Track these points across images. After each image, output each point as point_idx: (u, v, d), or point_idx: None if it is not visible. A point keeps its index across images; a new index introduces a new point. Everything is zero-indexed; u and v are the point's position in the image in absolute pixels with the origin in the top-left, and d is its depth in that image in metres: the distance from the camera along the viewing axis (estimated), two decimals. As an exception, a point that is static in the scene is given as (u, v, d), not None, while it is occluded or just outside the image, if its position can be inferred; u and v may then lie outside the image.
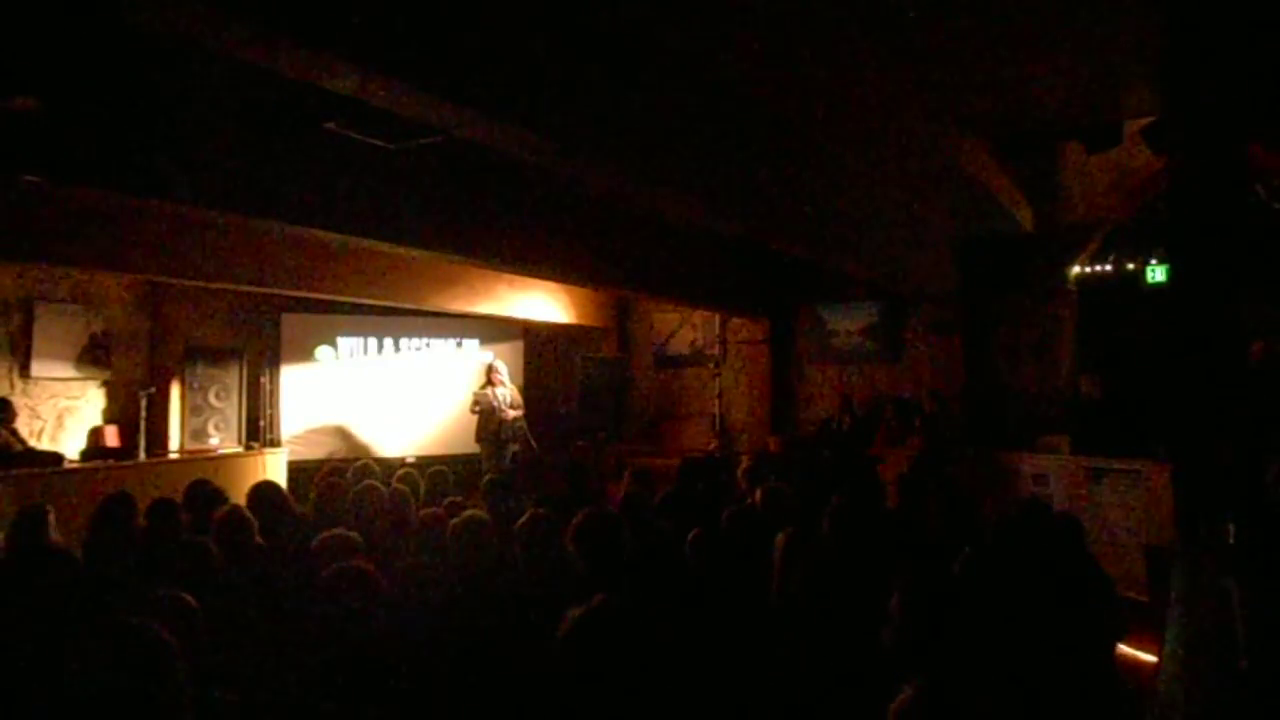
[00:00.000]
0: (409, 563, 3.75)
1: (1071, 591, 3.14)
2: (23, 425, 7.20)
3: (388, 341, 10.39)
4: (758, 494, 4.40)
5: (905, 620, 2.35)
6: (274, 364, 9.46)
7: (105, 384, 8.14)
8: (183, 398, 8.58)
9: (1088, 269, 7.98)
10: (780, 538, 3.18)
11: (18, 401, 7.21)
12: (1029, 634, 2.75)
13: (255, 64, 2.84)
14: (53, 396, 7.72)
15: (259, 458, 8.35)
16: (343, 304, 8.76)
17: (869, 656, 2.43)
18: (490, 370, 9.25)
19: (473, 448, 9.21)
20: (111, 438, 7.85)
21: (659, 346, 11.35)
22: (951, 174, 6.72)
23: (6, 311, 7.40)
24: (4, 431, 6.76)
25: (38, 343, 7.52)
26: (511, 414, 9.03)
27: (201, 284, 7.79)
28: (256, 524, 3.92)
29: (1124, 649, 4.12)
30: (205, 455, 8.31)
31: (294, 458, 8.88)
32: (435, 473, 5.53)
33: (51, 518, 4.00)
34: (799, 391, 10.33)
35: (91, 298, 8.04)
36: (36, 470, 6.29)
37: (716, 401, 10.64)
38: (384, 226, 5.63)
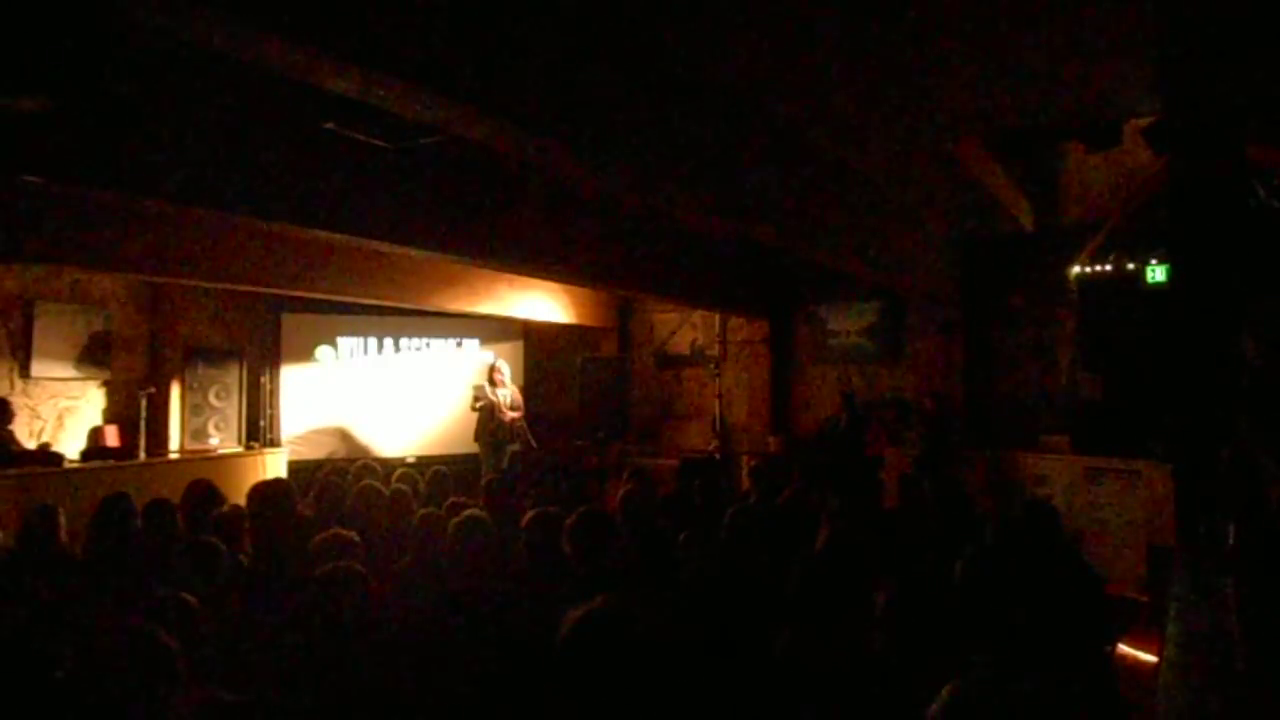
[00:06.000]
0: (409, 562, 3.75)
1: (1067, 591, 3.14)
2: (23, 425, 7.19)
3: (388, 341, 10.39)
4: (781, 496, 4.38)
5: (890, 622, 2.35)
6: (274, 364, 9.47)
7: (105, 384, 8.14)
8: (183, 398, 8.58)
9: (1088, 269, 7.96)
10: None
11: (17, 401, 7.20)
12: (1027, 633, 2.75)
13: (255, 64, 2.84)
14: (53, 396, 7.71)
15: (259, 458, 8.35)
16: (343, 304, 8.75)
17: (868, 656, 2.43)
18: (493, 370, 9.27)
19: (473, 447, 9.22)
20: (111, 438, 7.85)
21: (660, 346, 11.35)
22: (951, 174, 6.72)
23: (6, 311, 7.40)
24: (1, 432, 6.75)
25: (38, 343, 7.51)
26: (511, 415, 9.06)
27: (201, 284, 7.79)
28: (255, 524, 3.93)
29: (1124, 649, 4.12)
30: (205, 455, 8.32)
31: (294, 458, 8.89)
32: (435, 473, 5.53)
33: (62, 519, 4.01)
34: (799, 391, 10.33)
35: (91, 298, 8.04)
36: (36, 470, 6.28)
37: (716, 401, 10.62)
38: (384, 226, 5.63)
